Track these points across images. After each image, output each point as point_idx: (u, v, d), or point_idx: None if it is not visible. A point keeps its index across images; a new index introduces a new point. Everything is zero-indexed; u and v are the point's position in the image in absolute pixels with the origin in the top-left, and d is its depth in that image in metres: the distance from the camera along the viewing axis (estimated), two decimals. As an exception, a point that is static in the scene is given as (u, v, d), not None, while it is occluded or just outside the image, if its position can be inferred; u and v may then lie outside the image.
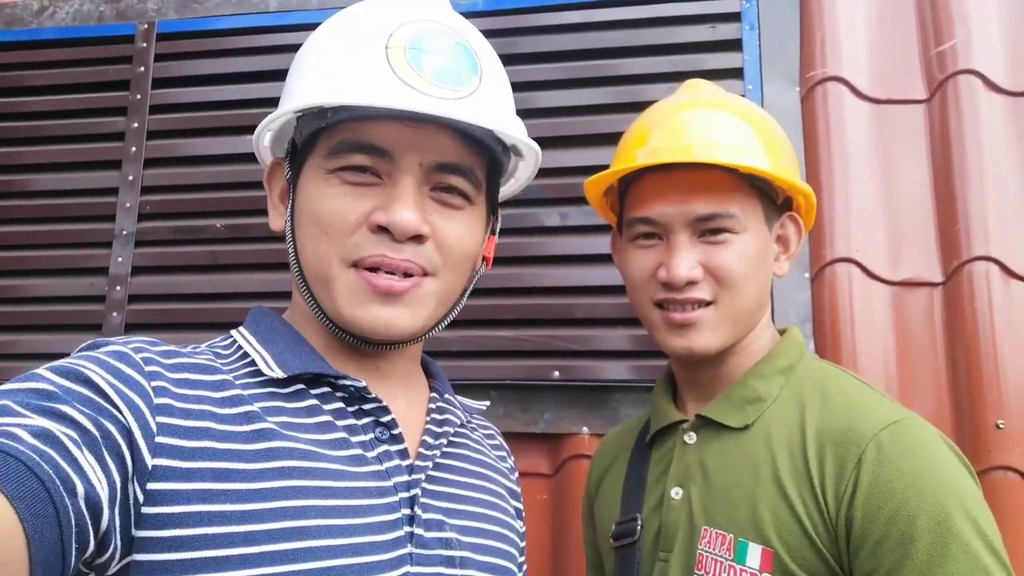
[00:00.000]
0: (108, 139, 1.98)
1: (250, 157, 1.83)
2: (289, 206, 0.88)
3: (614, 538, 1.11)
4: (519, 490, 1.06)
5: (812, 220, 1.16)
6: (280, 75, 1.93)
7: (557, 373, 1.68)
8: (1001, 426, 1.47)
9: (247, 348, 0.84)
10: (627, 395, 1.67)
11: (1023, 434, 1.48)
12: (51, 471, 0.57)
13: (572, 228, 1.75)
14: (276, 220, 0.92)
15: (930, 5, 1.76)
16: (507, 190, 1.03)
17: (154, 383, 0.71)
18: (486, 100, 0.84)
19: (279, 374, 0.80)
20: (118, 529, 0.64)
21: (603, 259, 1.68)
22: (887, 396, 1.02)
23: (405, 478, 0.81)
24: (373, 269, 0.81)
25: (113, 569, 0.66)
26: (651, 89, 1.75)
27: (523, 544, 1.03)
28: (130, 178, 1.93)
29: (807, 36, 1.78)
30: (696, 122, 1.06)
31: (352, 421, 0.82)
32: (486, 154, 0.88)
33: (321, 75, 0.83)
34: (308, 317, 0.88)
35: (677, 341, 1.04)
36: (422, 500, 0.81)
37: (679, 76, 1.69)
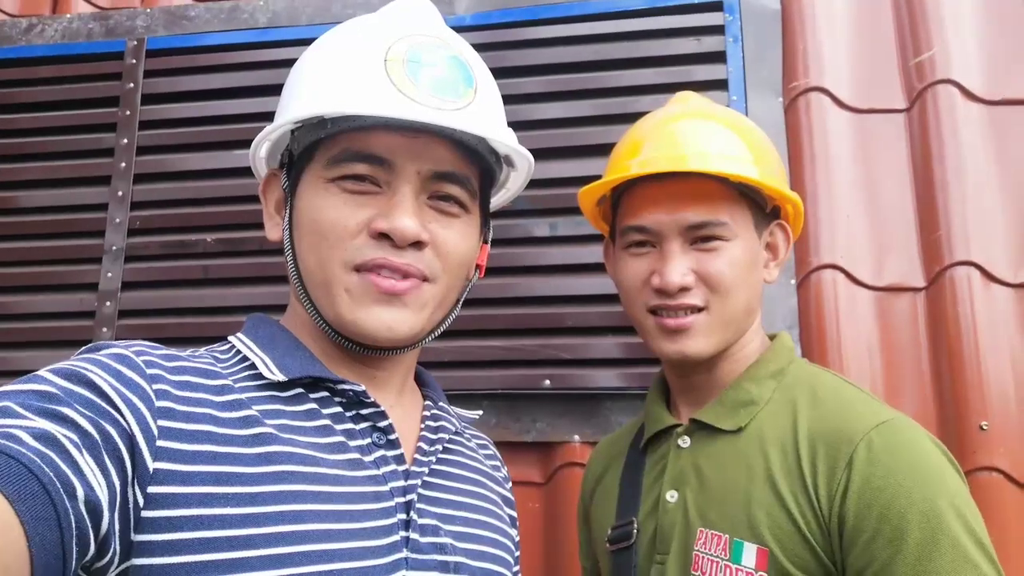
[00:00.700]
0: (97, 155, 1.98)
1: (239, 172, 1.87)
2: (287, 216, 0.89)
3: (610, 542, 1.12)
4: (513, 498, 1.07)
5: (800, 228, 1.18)
6: (269, 90, 1.94)
7: (548, 382, 1.69)
8: (985, 427, 1.50)
9: (246, 352, 0.84)
10: (618, 403, 1.68)
11: (1006, 435, 1.50)
12: (51, 473, 0.57)
13: (561, 238, 1.76)
14: (273, 230, 0.93)
15: (908, 17, 1.79)
16: (498, 200, 1.05)
17: (156, 386, 0.72)
18: (481, 111, 0.86)
19: (279, 377, 0.81)
20: (118, 533, 0.64)
21: (592, 268, 1.70)
22: (876, 398, 1.04)
23: (401, 483, 0.82)
24: (375, 272, 0.81)
25: (112, 573, 0.66)
26: (637, 101, 1.77)
27: (518, 552, 1.04)
28: (119, 194, 1.93)
29: (789, 48, 1.81)
30: (688, 132, 1.09)
31: (350, 426, 0.82)
32: (480, 164, 0.90)
33: (320, 86, 0.84)
34: (306, 326, 0.89)
35: (670, 346, 1.06)
36: (418, 505, 0.82)
37: (665, 88, 1.72)
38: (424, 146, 0.83)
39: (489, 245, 0.98)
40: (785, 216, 1.16)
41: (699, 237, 1.05)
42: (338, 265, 0.82)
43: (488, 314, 1.74)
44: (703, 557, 0.99)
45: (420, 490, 0.83)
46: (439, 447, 0.90)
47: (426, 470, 0.86)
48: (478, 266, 0.97)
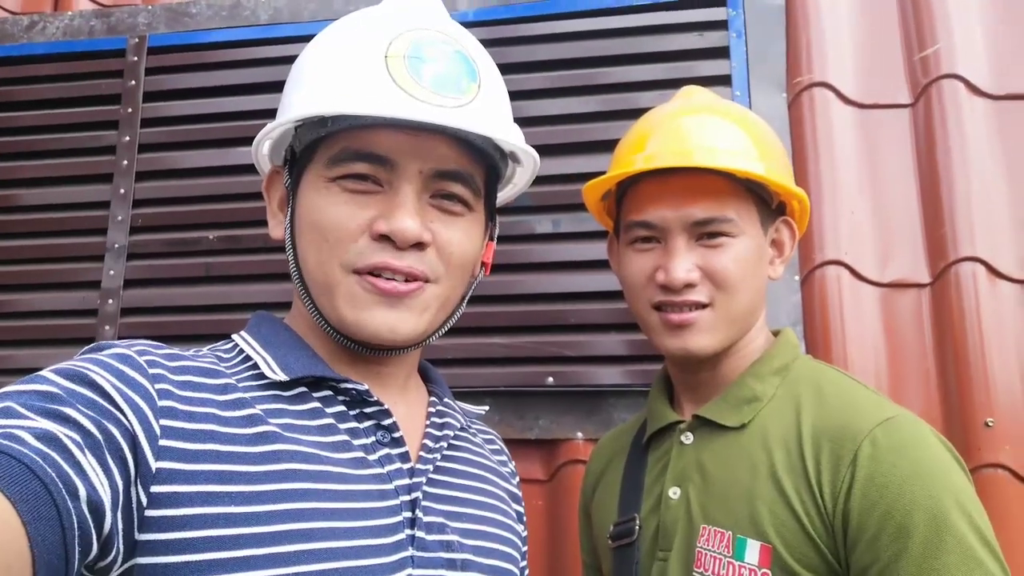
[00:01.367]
0: (99, 153, 1.98)
1: (242, 169, 1.87)
2: (288, 214, 0.88)
3: (612, 539, 1.12)
4: (520, 494, 1.06)
5: (805, 224, 1.17)
6: (271, 87, 1.94)
7: (551, 379, 1.69)
8: (990, 424, 1.49)
9: (249, 351, 0.84)
10: (621, 399, 1.68)
11: (1012, 432, 1.49)
12: (53, 473, 0.57)
13: (564, 235, 1.76)
14: (276, 228, 0.92)
15: (913, 11, 1.78)
16: (505, 196, 1.04)
17: (158, 386, 0.71)
18: (485, 108, 0.85)
19: (282, 377, 0.80)
20: (121, 532, 0.64)
21: (595, 265, 1.69)
22: (880, 394, 1.04)
23: (406, 481, 0.81)
24: (376, 274, 0.81)
25: (116, 572, 0.65)
26: (641, 97, 1.76)
27: (525, 548, 1.03)
28: (121, 191, 1.93)
29: (793, 43, 1.80)
30: (693, 127, 1.08)
31: (354, 424, 0.82)
32: (485, 161, 0.89)
33: (320, 84, 0.83)
34: (309, 324, 0.88)
35: (674, 342, 1.06)
36: (423, 503, 0.81)
37: (668, 84, 1.72)
38: (426, 144, 0.82)
39: (495, 242, 0.97)
40: (791, 212, 1.15)
41: (704, 233, 1.04)
42: (338, 268, 0.81)
43: (491, 311, 1.74)
44: (706, 554, 0.98)
45: (425, 487, 0.83)
46: (444, 444, 0.89)
47: (431, 467, 0.85)
48: (484, 264, 0.96)
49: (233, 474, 0.70)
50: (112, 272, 1.89)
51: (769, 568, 0.93)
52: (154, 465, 0.67)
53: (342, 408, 0.83)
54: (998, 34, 1.74)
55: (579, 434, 1.68)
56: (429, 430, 0.90)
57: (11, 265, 1.96)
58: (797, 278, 1.67)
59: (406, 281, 0.82)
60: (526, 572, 1.04)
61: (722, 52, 1.79)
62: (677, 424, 1.11)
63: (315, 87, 0.84)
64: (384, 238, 0.80)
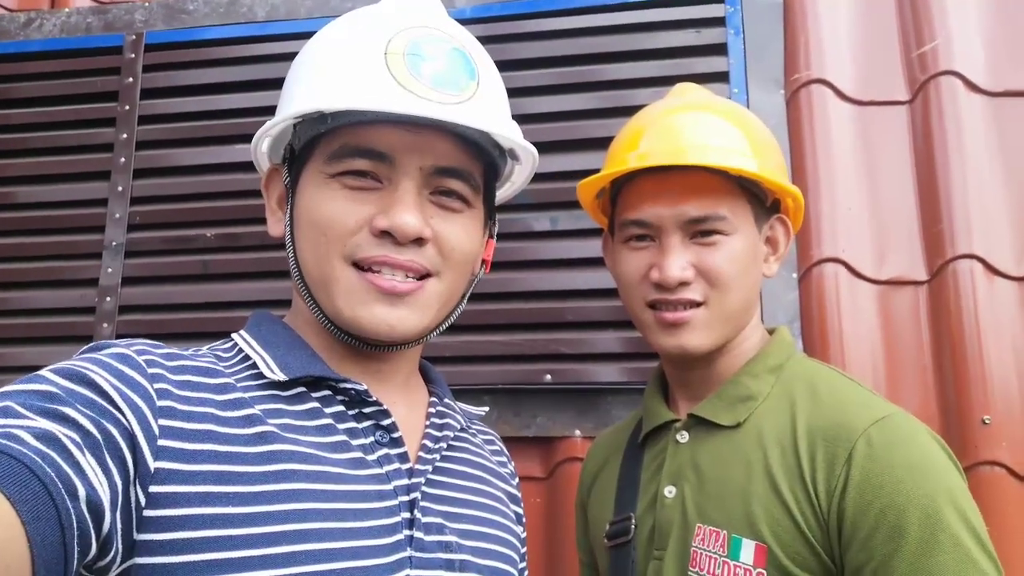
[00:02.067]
0: (97, 150, 1.98)
1: (240, 166, 1.87)
2: (288, 211, 0.88)
3: (608, 538, 1.12)
4: (519, 495, 1.06)
5: (800, 222, 1.17)
6: (269, 84, 1.93)
7: (549, 376, 1.69)
8: (987, 421, 1.49)
9: (248, 351, 0.84)
10: (618, 397, 1.68)
11: (1009, 429, 1.50)
12: (53, 473, 0.57)
13: (562, 232, 1.76)
14: (275, 226, 0.92)
15: (911, 8, 1.78)
16: (503, 193, 1.04)
17: (157, 385, 0.71)
18: (484, 105, 0.85)
19: (280, 377, 0.80)
20: (119, 532, 0.64)
21: (593, 263, 1.69)
22: (875, 393, 1.04)
23: (405, 482, 0.81)
24: (376, 270, 0.81)
25: (115, 572, 0.66)
26: (638, 93, 1.76)
27: (524, 549, 1.03)
28: (119, 189, 1.93)
29: (791, 39, 1.80)
30: (687, 125, 1.08)
31: (352, 424, 0.82)
32: (484, 158, 0.89)
33: (320, 81, 0.83)
34: (309, 321, 0.88)
35: (669, 341, 1.06)
36: (422, 504, 0.81)
37: (665, 80, 1.71)
38: (426, 141, 0.82)
39: (495, 240, 0.98)
40: (785, 210, 1.15)
41: (699, 231, 1.04)
42: (337, 260, 0.81)
43: (489, 309, 1.74)
44: (701, 553, 0.98)
45: (424, 488, 0.83)
46: (443, 445, 0.89)
47: (430, 468, 0.85)
48: (484, 261, 0.96)
49: (231, 474, 0.70)
50: (110, 270, 1.89)
51: (764, 567, 0.93)
52: (153, 465, 0.67)
53: (341, 408, 0.83)
54: (995, 31, 1.74)
55: (577, 431, 1.68)
56: (429, 430, 0.90)
57: (9, 263, 1.95)
58: (794, 275, 1.67)
59: (406, 278, 0.82)
60: (525, 573, 1.04)
61: (720, 49, 1.79)
62: (672, 423, 1.11)
63: (314, 84, 0.84)
64: (384, 234, 0.80)
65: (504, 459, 1.07)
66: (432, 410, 0.94)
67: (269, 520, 0.70)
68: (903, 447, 0.91)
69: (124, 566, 0.66)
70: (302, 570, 0.69)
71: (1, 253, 1.96)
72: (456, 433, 0.93)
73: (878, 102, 1.75)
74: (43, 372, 0.67)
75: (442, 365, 1.66)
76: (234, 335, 0.89)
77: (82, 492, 0.59)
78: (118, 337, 1.84)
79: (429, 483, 0.84)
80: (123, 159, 1.95)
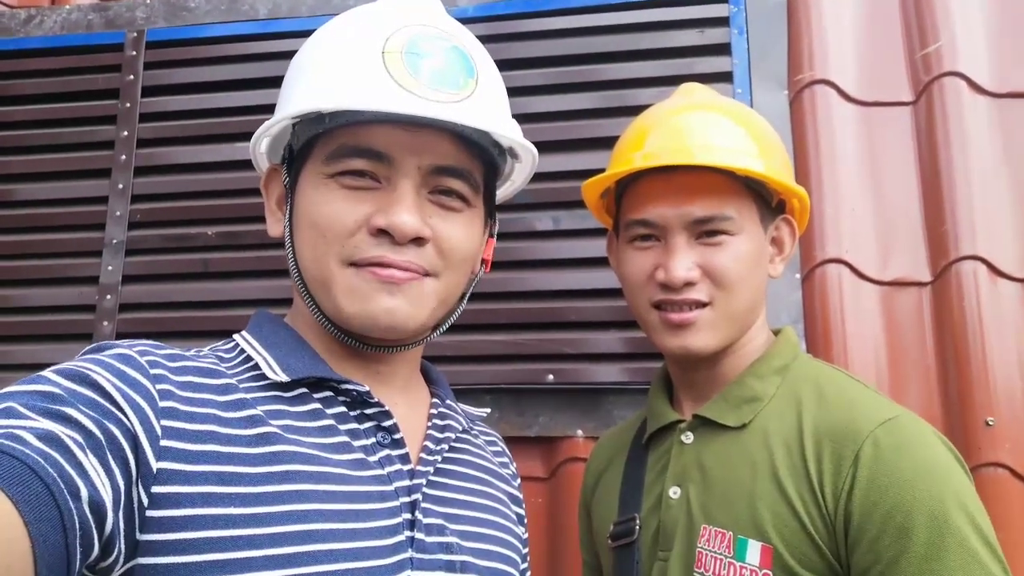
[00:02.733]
0: (97, 148, 1.97)
1: (240, 165, 1.86)
2: (287, 212, 0.88)
3: (612, 538, 1.12)
4: (521, 496, 1.06)
5: (806, 222, 1.17)
6: (270, 82, 1.93)
7: (551, 376, 1.68)
8: (991, 423, 1.49)
9: (250, 352, 0.84)
10: (621, 397, 1.67)
11: (1013, 431, 1.49)
12: (55, 474, 0.57)
13: (564, 232, 1.75)
14: (274, 226, 0.92)
15: (915, 8, 1.78)
16: (504, 192, 1.04)
17: (159, 386, 0.71)
18: (483, 103, 0.84)
19: (282, 378, 0.80)
20: (122, 533, 0.64)
21: (595, 262, 1.69)
22: (881, 394, 1.03)
23: (406, 483, 0.81)
24: (375, 264, 0.81)
25: (117, 573, 0.66)
26: (641, 93, 1.76)
27: (526, 550, 1.03)
28: (120, 186, 1.93)
29: (794, 40, 1.79)
30: (693, 125, 1.08)
31: (354, 425, 0.82)
32: (483, 157, 0.89)
33: (318, 81, 0.83)
34: (309, 322, 0.88)
35: (674, 341, 1.05)
36: (423, 505, 0.81)
37: (668, 80, 1.71)
38: (424, 140, 0.82)
39: (495, 239, 0.97)
40: (791, 210, 1.15)
41: (704, 231, 1.04)
42: (335, 262, 0.81)
43: (491, 308, 1.73)
44: (707, 554, 0.98)
45: (425, 489, 0.83)
46: (445, 446, 0.89)
47: (431, 469, 0.85)
48: (484, 260, 0.96)
49: (233, 475, 0.70)
50: (110, 268, 1.89)
51: (770, 569, 0.92)
52: (155, 465, 0.67)
53: (343, 409, 0.83)
54: (1000, 32, 1.73)
55: (579, 432, 1.67)
56: (430, 432, 0.89)
57: (9, 260, 1.95)
58: (798, 276, 1.67)
59: (405, 272, 0.82)
60: (527, 574, 1.03)
61: (723, 49, 1.78)
62: (677, 423, 1.11)
63: (312, 84, 0.84)
64: (382, 233, 0.80)
65: (506, 460, 1.07)
66: (434, 411, 0.93)
67: (271, 521, 0.70)
68: (910, 449, 0.90)
69: (127, 566, 0.66)
70: (304, 571, 0.69)
71: (1, 250, 1.96)
72: (458, 435, 0.93)
73: (882, 103, 1.75)
74: (45, 373, 0.67)
75: (444, 364, 1.66)
76: (236, 336, 0.89)
77: (84, 493, 0.59)
78: (118, 335, 1.84)
79: (430, 484, 0.84)
80: (124, 156, 1.94)
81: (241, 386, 0.78)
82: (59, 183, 1.98)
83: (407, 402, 0.91)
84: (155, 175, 1.94)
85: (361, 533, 0.74)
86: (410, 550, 0.78)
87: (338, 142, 0.82)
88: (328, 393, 0.83)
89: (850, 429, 0.94)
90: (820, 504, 0.92)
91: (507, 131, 0.86)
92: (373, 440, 0.82)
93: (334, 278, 0.81)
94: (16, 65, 2.06)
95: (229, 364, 0.83)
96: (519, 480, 1.08)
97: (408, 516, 0.79)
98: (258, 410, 0.76)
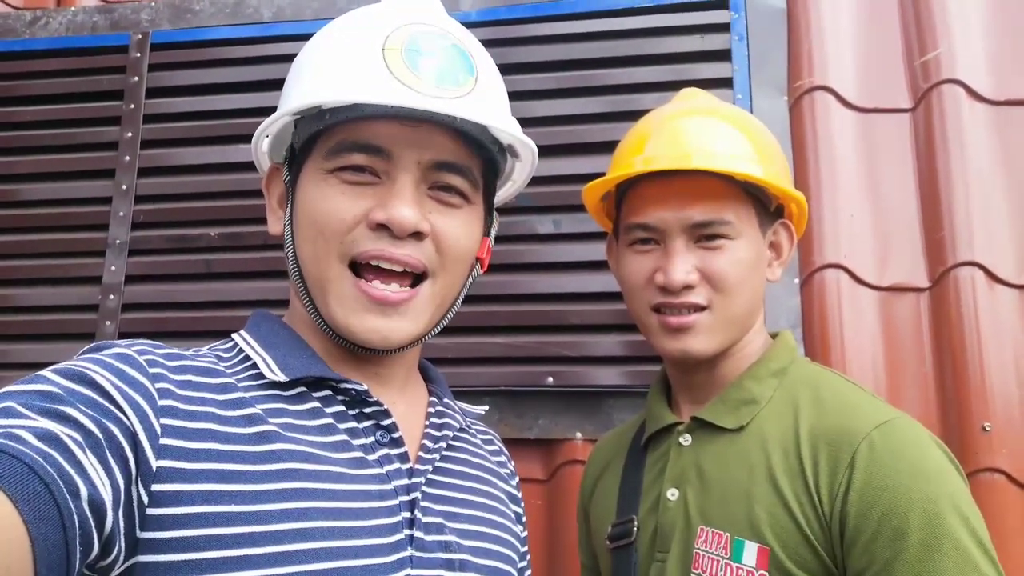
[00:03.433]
0: (101, 148, 1.98)
1: (243, 166, 1.87)
2: (288, 210, 0.88)
3: (610, 540, 1.12)
4: (519, 495, 1.06)
5: (804, 227, 1.18)
6: (274, 85, 1.93)
7: (551, 379, 1.69)
8: (987, 428, 1.49)
9: (249, 351, 0.84)
10: (620, 400, 1.68)
11: (1009, 436, 1.50)
12: (54, 473, 0.57)
13: (565, 235, 1.76)
14: (275, 225, 0.92)
15: (914, 16, 1.79)
16: (504, 193, 1.04)
17: (158, 385, 0.71)
18: (482, 100, 0.85)
19: (281, 377, 0.80)
20: (122, 531, 0.64)
21: (596, 266, 1.69)
22: (878, 397, 1.04)
23: (405, 481, 0.82)
24: (373, 267, 0.81)
25: (117, 571, 0.66)
26: (642, 98, 1.77)
27: (524, 549, 1.03)
28: (123, 187, 1.94)
29: (794, 46, 1.80)
30: (692, 130, 1.08)
31: (353, 424, 0.82)
32: (483, 154, 0.89)
33: (318, 77, 0.84)
34: (307, 322, 0.88)
35: (673, 344, 1.06)
36: (422, 503, 0.82)
37: (669, 86, 1.72)
38: (424, 135, 0.82)
39: (492, 239, 0.97)
40: (789, 215, 1.15)
41: (703, 235, 1.04)
42: (335, 259, 0.81)
43: (491, 311, 1.74)
44: (704, 555, 0.99)
45: (424, 488, 0.83)
46: (443, 444, 0.89)
47: (430, 468, 0.85)
48: (480, 260, 0.95)
49: (233, 473, 0.70)
50: (113, 268, 1.89)
51: (767, 570, 0.93)
52: (155, 464, 0.67)
53: (341, 408, 0.83)
54: (998, 40, 1.74)
55: (578, 434, 1.68)
56: (428, 430, 0.90)
57: (12, 260, 1.96)
58: (797, 281, 1.67)
59: (402, 280, 0.82)
60: (526, 573, 1.04)
61: (724, 55, 1.79)
62: (675, 426, 1.12)
63: (313, 80, 0.84)
64: (381, 227, 0.80)
65: (504, 459, 1.07)
66: (432, 410, 0.94)
67: (271, 519, 0.70)
68: (906, 451, 0.91)
69: (127, 564, 0.66)
70: (303, 569, 0.69)
71: (5, 250, 1.97)
72: (455, 433, 0.93)
73: (881, 109, 1.76)
74: (44, 372, 0.67)
75: (444, 366, 1.65)
76: (234, 335, 0.89)
77: (84, 491, 0.59)
78: (121, 335, 1.85)
79: (429, 483, 0.84)
80: (128, 157, 1.95)
81: (240, 385, 0.79)
82: (63, 183, 1.99)
83: (405, 401, 0.92)
84: (158, 176, 1.95)
85: (360, 531, 0.74)
86: (409, 548, 0.78)
87: (338, 138, 0.82)
88: (327, 392, 0.83)
89: (846, 432, 0.94)
90: (816, 506, 0.92)
91: (506, 126, 0.86)
92: (372, 439, 0.82)
93: (331, 281, 0.82)
94: (22, 66, 2.07)
95: (228, 363, 0.83)
96: (517, 479, 1.08)
97: (407, 515, 0.80)
98: (257, 409, 0.76)
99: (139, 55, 2.01)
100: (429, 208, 0.83)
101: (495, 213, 0.99)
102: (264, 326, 0.89)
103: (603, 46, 1.84)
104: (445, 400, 0.97)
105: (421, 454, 0.86)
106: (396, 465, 0.82)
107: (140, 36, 2.03)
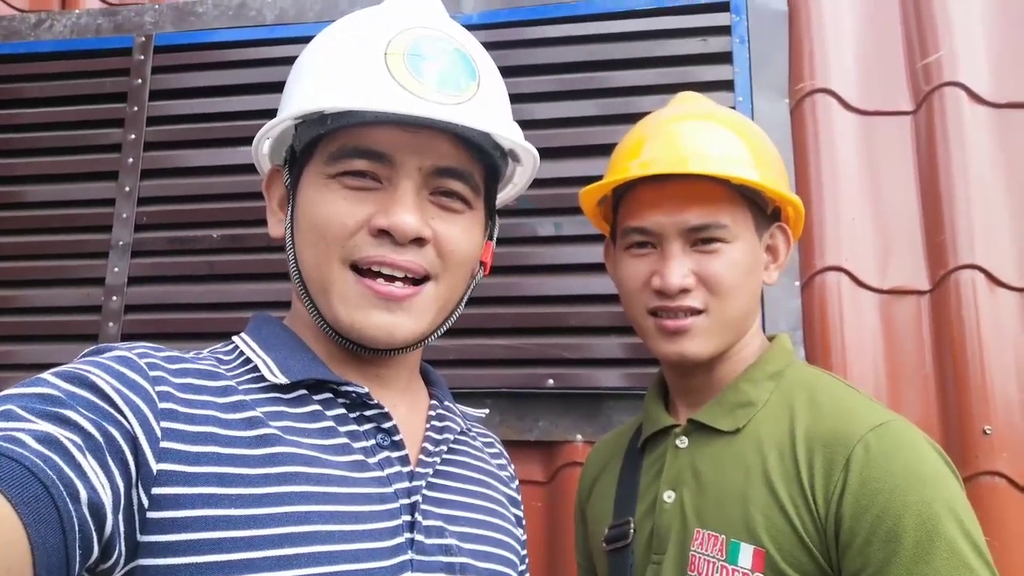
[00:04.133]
0: (105, 151, 1.99)
1: (246, 168, 1.88)
2: (289, 213, 0.88)
3: (607, 542, 1.13)
4: (519, 498, 1.06)
5: (800, 230, 1.18)
6: (276, 87, 1.94)
7: (551, 381, 1.69)
8: (988, 432, 1.49)
9: (249, 354, 0.84)
10: (620, 402, 1.68)
11: (1010, 439, 1.50)
12: (55, 476, 0.57)
13: (566, 238, 1.76)
14: (275, 227, 0.92)
15: (916, 18, 1.78)
16: (505, 196, 1.04)
17: (158, 388, 0.71)
18: (484, 105, 0.85)
19: (282, 380, 0.80)
20: (122, 534, 0.64)
21: (596, 268, 1.69)
22: (874, 400, 1.04)
23: (406, 485, 0.81)
24: (375, 272, 0.81)
25: (118, 575, 0.66)
26: (643, 101, 1.77)
27: (524, 552, 1.03)
28: (127, 189, 1.94)
29: (796, 49, 1.80)
30: (688, 134, 1.08)
31: (354, 427, 0.82)
32: (484, 159, 0.88)
33: (320, 81, 0.83)
34: (308, 324, 0.88)
35: (670, 347, 1.06)
36: (422, 507, 0.81)
37: (670, 88, 1.72)
38: (425, 141, 0.82)
39: (494, 242, 0.97)
40: (786, 218, 1.15)
41: (700, 239, 1.05)
42: (336, 263, 0.81)
43: (492, 313, 1.74)
44: (700, 557, 0.99)
45: (425, 491, 0.83)
46: (444, 448, 0.89)
47: (431, 471, 0.85)
48: (483, 263, 0.95)
49: (234, 476, 0.70)
50: (116, 269, 1.90)
51: (762, 572, 0.93)
52: (155, 467, 0.67)
53: (342, 411, 0.83)
54: (1000, 43, 1.74)
55: (578, 436, 1.68)
56: (429, 433, 0.90)
57: (15, 261, 1.97)
58: (797, 284, 1.67)
59: (405, 281, 0.82)
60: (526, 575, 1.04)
61: (725, 57, 1.79)
62: (672, 428, 1.12)
63: (315, 84, 0.84)
64: (383, 234, 0.80)
65: (504, 462, 1.07)
66: (432, 413, 0.94)
67: (271, 522, 0.70)
68: (901, 454, 0.91)
69: (128, 568, 0.66)
70: (304, 572, 0.69)
71: (8, 251, 1.97)
72: (456, 436, 0.93)
73: (882, 112, 1.75)
74: (44, 375, 0.67)
75: (445, 368, 1.67)
76: (235, 338, 0.89)
77: (84, 495, 0.59)
78: (123, 336, 1.86)
79: (430, 486, 0.84)
80: (131, 160, 1.96)
81: (240, 388, 0.79)
82: (66, 185, 2.00)
83: (407, 404, 0.91)
84: (161, 178, 1.96)
85: (360, 535, 0.74)
86: (410, 552, 0.78)
87: (339, 143, 0.82)
88: (328, 395, 0.83)
89: (841, 434, 0.94)
90: (811, 508, 0.93)
91: (508, 133, 0.86)
92: (373, 442, 0.82)
93: (333, 282, 0.82)
94: (26, 68, 2.08)
95: (228, 366, 0.83)
96: (517, 482, 1.08)
97: (408, 518, 0.79)
98: (258, 412, 0.76)
99: (142, 57, 2.02)
100: (431, 214, 0.83)
101: (496, 216, 0.99)
102: (265, 328, 0.89)
103: (604, 48, 1.84)
104: (446, 403, 0.97)
105: (422, 457, 0.86)
106: (397, 468, 0.82)
107: (144, 39, 2.04)
